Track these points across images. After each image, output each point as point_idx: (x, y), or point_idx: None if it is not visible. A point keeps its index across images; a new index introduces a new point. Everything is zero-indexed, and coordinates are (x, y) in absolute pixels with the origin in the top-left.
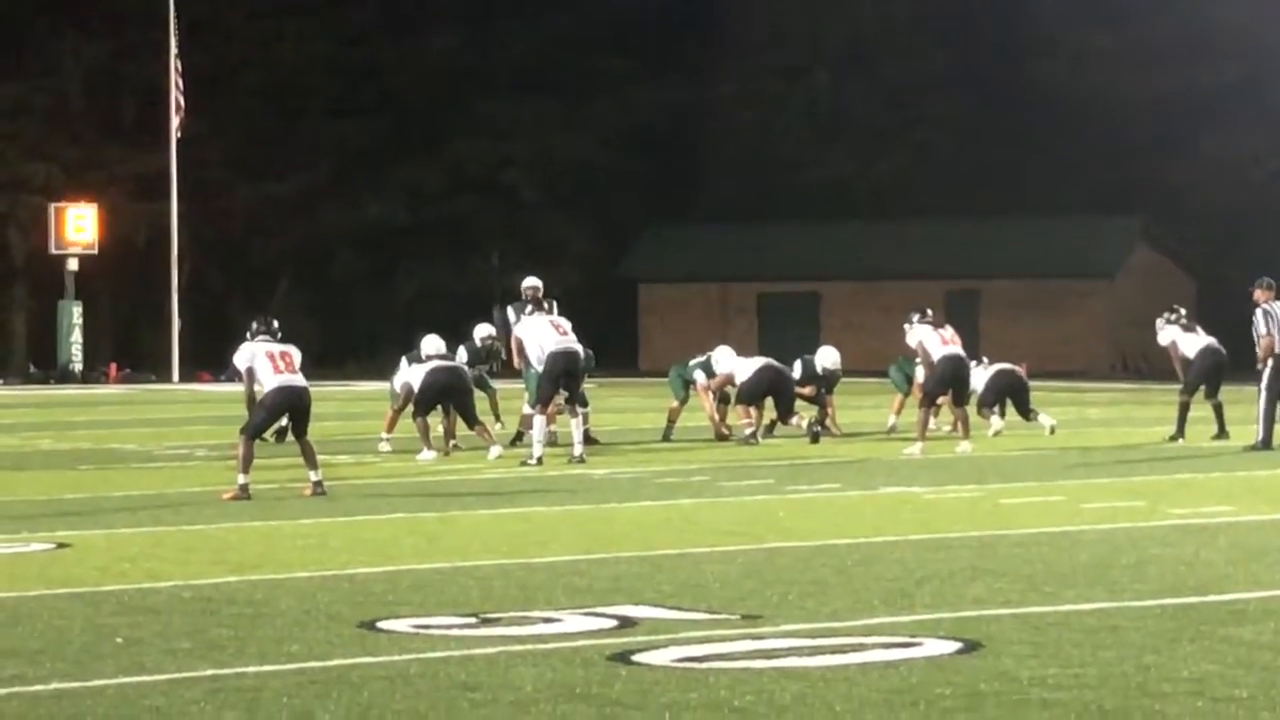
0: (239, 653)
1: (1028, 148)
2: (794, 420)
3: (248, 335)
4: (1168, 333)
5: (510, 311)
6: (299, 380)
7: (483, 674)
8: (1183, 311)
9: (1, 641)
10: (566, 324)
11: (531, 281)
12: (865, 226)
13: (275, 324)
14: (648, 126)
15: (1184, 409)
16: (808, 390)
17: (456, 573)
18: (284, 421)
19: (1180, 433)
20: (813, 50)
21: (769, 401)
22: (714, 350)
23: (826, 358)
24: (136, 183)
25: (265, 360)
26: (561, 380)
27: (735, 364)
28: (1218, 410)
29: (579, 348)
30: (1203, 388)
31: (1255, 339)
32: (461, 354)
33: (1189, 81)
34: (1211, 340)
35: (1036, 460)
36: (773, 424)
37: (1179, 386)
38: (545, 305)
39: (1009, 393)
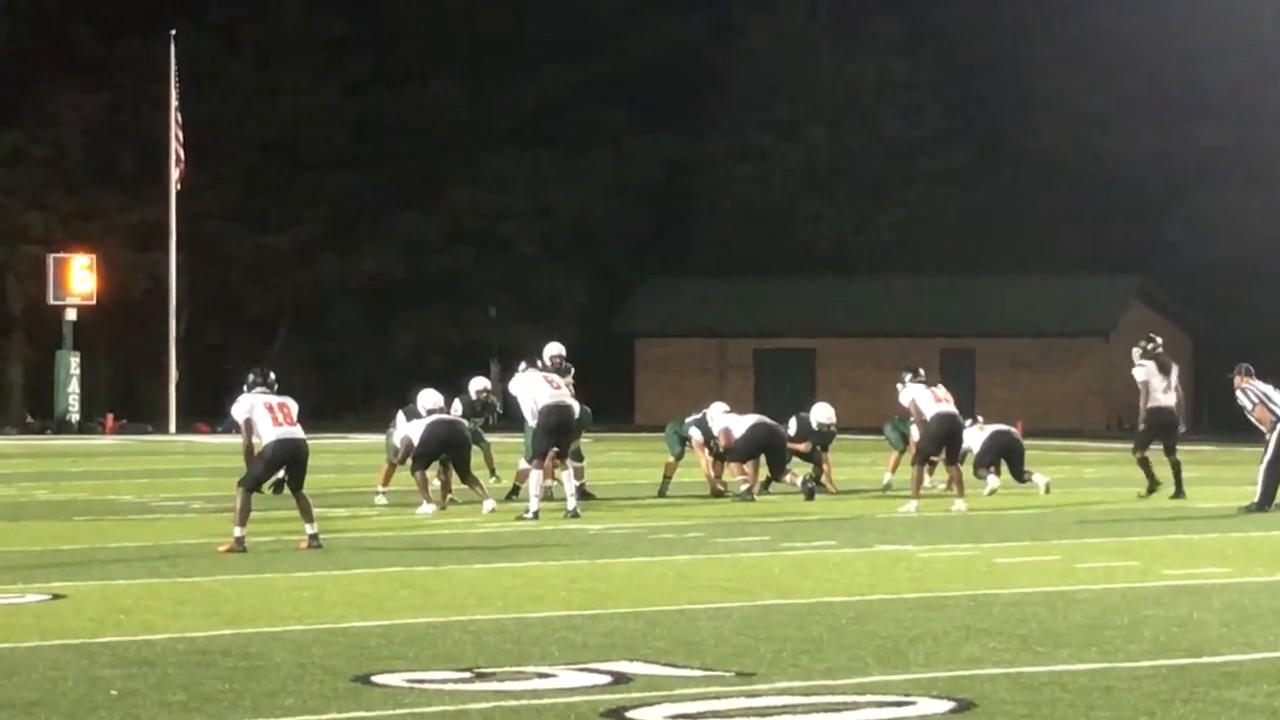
0: (233, 706)
1: (1023, 206)
2: (788, 477)
3: (244, 387)
4: (1143, 370)
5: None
6: (298, 432)
7: None
8: (1159, 341)
9: None
10: (561, 380)
11: (555, 349)
12: (861, 283)
13: (272, 375)
14: (645, 181)
15: (1144, 464)
16: (803, 446)
17: (451, 627)
18: (280, 474)
19: (1151, 480)
20: (811, 106)
21: (763, 458)
22: (708, 407)
23: (821, 413)
24: (135, 233)
25: (264, 412)
26: (555, 434)
27: (729, 421)
28: (1175, 469)
29: (573, 402)
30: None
31: (1247, 416)
32: (457, 407)
33: (1184, 141)
34: (1170, 399)
35: (1031, 519)
36: (768, 481)
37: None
38: (566, 370)
39: (1004, 453)
